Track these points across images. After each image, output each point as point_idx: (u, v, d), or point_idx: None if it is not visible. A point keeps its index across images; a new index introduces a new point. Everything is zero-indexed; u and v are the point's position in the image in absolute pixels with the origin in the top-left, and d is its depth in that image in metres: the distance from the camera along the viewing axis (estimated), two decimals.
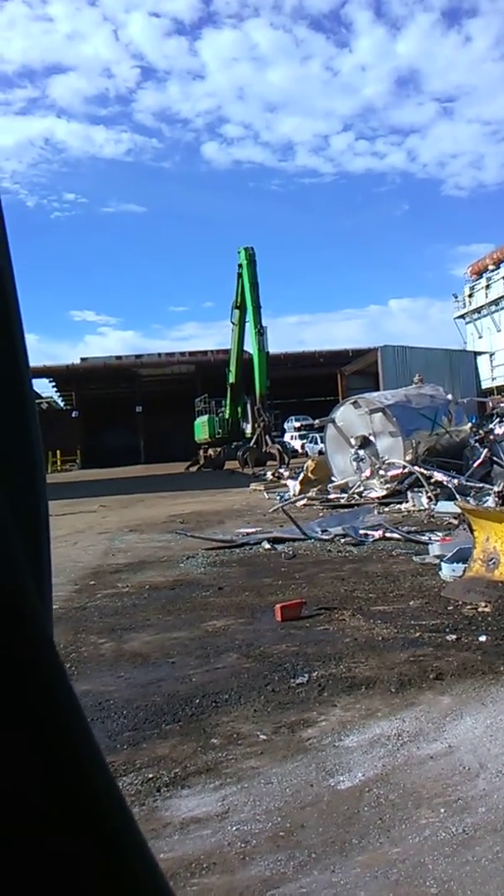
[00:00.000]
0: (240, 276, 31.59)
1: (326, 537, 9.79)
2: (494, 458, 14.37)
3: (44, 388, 54.97)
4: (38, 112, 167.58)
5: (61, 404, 58.70)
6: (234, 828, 2.80)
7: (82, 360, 53.20)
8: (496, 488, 11.50)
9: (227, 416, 34.84)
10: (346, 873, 2.47)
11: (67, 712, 0.44)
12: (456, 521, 9.95)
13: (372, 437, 15.50)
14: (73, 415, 52.23)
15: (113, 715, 4.04)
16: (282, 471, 23.28)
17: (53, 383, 54.88)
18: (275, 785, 3.12)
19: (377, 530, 9.82)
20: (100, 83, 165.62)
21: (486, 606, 5.61)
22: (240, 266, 31.39)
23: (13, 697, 0.41)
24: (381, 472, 14.73)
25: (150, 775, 3.27)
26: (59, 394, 57.71)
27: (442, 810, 2.82)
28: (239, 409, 33.97)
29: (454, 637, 5.01)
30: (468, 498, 11.38)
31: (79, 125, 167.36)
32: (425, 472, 13.52)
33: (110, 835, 0.44)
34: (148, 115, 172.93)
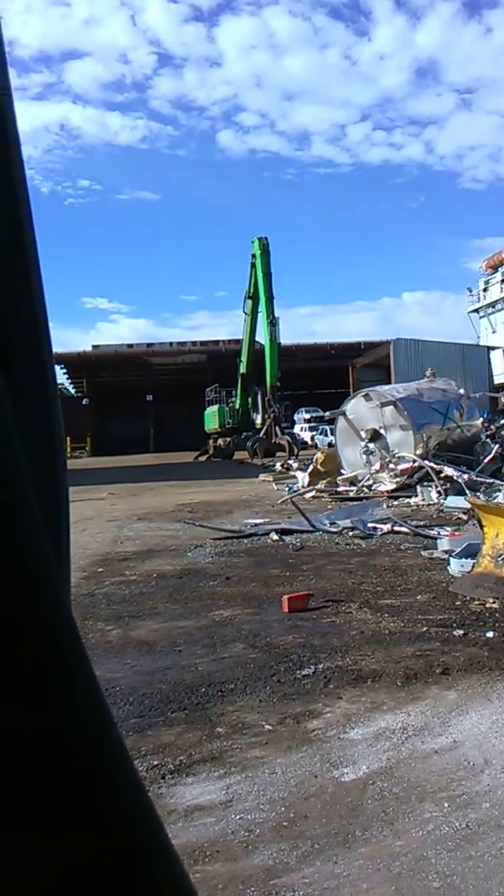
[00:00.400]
0: (253, 265, 31.55)
1: (335, 530, 9.78)
2: None
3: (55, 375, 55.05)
4: (53, 97, 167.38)
5: (72, 391, 58.87)
6: (238, 816, 2.82)
7: (94, 347, 53.38)
8: None
9: (237, 407, 34.88)
10: (348, 865, 2.47)
11: (82, 680, 0.44)
12: (465, 517, 9.92)
13: (382, 431, 15.46)
14: (84, 402, 52.40)
15: (119, 702, 4.06)
16: (291, 462, 23.29)
17: (65, 370, 55.02)
18: (279, 775, 3.13)
19: (386, 524, 9.80)
20: (116, 69, 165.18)
21: (493, 602, 5.60)
22: (253, 256, 31.34)
23: (28, 658, 0.40)
24: (391, 465, 14.69)
25: (156, 762, 3.28)
26: (70, 381, 57.88)
27: (446, 805, 2.82)
28: (249, 400, 33.98)
29: (461, 632, 5.00)
30: (478, 493, 11.34)
31: (94, 111, 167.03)
32: (435, 466, 13.48)
33: (127, 816, 0.43)
34: (164, 102, 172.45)
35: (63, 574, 0.55)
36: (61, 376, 56.52)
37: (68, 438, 49.44)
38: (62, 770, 0.40)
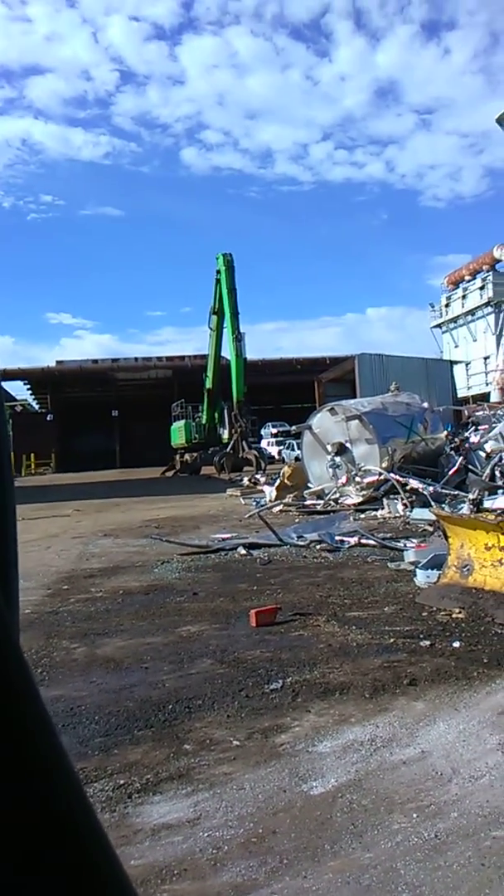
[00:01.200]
0: (218, 281, 31.63)
1: (302, 543, 9.79)
2: (469, 466, 14.51)
3: (19, 390, 54.43)
4: (15, 112, 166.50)
5: (36, 407, 58.21)
6: (206, 834, 2.78)
7: (58, 363, 52.84)
8: (471, 496, 11.60)
9: (203, 422, 34.79)
10: (317, 879, 2.45)
11: (33, 719, 0.42)
12: (431, 528, 10.01)
13: (348, 444, 15.57)
14: (48, 418, 51.82)
15: (84, 720, 3.99)
16: (258, 477, 23.28)
17: (28, 386, 54.44)
18: (247, 791, 3.10)
19: (353, 537, 9.84)
20: (78, 85, 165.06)
21: (460, 613, 5.65)
22: (218, 272, 31.44)
23: None
24: (357, 478, 14.79)
25: (122, 781, 3.23)
26: (34, 397, 57.23)
27: (414, 815, 2.82)
28: (216, 415, 33.94)
29: (428, 643, 5.03)
30: (443, 505, 11.46)
31: (56, 127, 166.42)
32: (401, 479, 13.60)
33: (79, 845, 0.42)
34: (127, 118, 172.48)
35: (9, 600, 0.53)
36: (25, 392, 55.96)
37: (33, 455, 48.91)
38: (9, 805, 0.39)
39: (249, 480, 22.69)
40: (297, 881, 2.44)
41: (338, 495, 14.88)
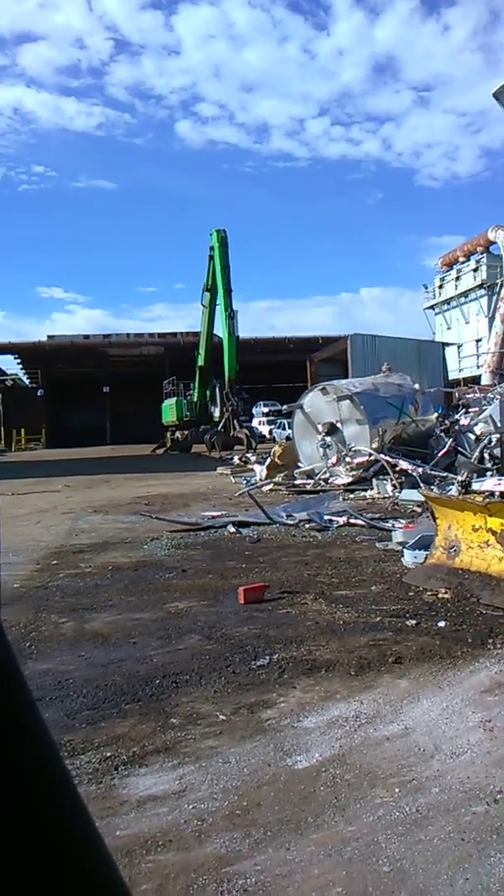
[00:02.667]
0: (211, 258, 31.38)
1: (291, 522, 9.83)
2: (459, 448, 14.57)
3: (9, 365, 54.04)
4: (6, 80, 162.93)
5: (27, 382, 57.78)
6: (191, 806, 2.82)
7: (49, 337, 52.37)
8: (459, 477, 11.68)
9: (195, 400, 34.68)
10: (300, 851, 2.49)
11: (16, 696, 0.42)
12: (419, 509, 10.08)
13: (339, 424, 15.59)
14: (39, 393, 51.47)
15: (72, 694, 4.01)
16: (249, 455, 23.31)
17: (19, 361, 53.96)
18: (232, 764, 3.14)
19: (341, 516, 9.90)
20: (72, 54, 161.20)
21: (445, 593, 5.70)
22: (211, 248, 31.18)
23: None
24: (347, 459, 14.84)
25: (108, 754, 3.26)
26: (24, 371, 56.76)
27: (397, 790, 2.87)
28: (207, 393, 33.85)
29: (414, 622, 5.08)
30: (432, 486, 11.53)
31: (49, 96, 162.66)
32: (391, 460, 13.66)
33: (59, 823, 0.42)
34: (121, 88, 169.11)
35: None
36: (15, 367, 55.50)
37: (23, 430, 48.69)
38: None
39: (240, 459, 22.71)
40: (281, 853, 2.49)
41: (328, 475, 14.93)
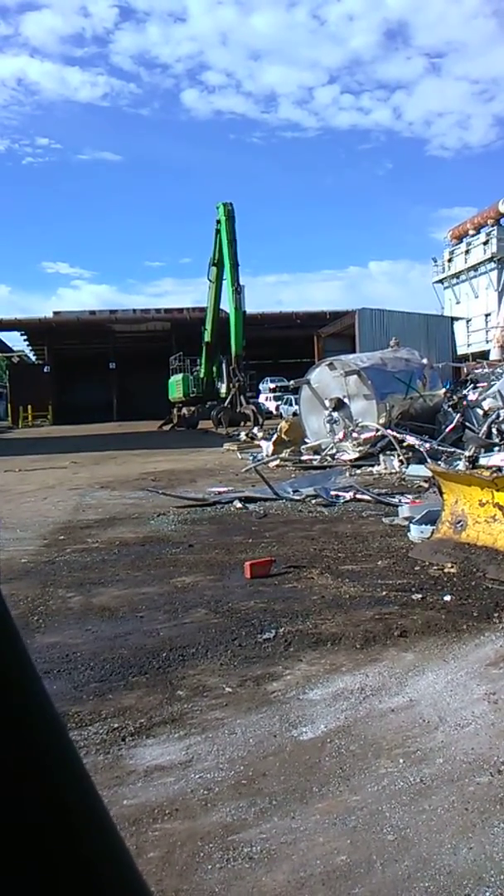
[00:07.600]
0: (218, 232, 31.12)
1: (298, 498, 9.84)
2: (467, 424, 14.51)
3: (15, 341, 53.88)
4: (10, 50, 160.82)
5: (33, 358, 57.74)
6: (198, 776, 2.85)
7: (55, 313, 52.23)
8: (467, 453, 11.64)
9: (201, 376, 34.61)
10: (305, 820, 2.52)
11: (19, 671, 0.42)
12: (426, 485, 10.06)
13: (346, 400, 15.52)
14: (45, 369, 51.40)
15: (80, 667, 4.05)
16: (255, 431, 23.30)
17: (25, 337, 53.89)
18: (238, 735, 3.17)
19: (348, 492, 9.89)
20: (75, 22, 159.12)
21: (451, 567, 5.71)
22: (218, 222, 30.90)
23: None
24: (355, 434, 14.79)
25: (116, 725, 3.30)
26: (30, 348, 56.71)
27: (401, 761, 2.89)
28: (214, 369, 33.75)
29: (420, 596, 5.09)
30: (439, 462, 11.50)
31: (53, 66, 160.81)
32: (398, 435, 13.62)
33: (67, 804, 0.42)
34: (126, 57, 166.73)
35: None
36: (22, 343, 55.42)
37: (29, 406, 48.76)
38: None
39: (247, 435, 22.70)
40: (286, 821, 2.52)
41: (334, 451, 14.89)
